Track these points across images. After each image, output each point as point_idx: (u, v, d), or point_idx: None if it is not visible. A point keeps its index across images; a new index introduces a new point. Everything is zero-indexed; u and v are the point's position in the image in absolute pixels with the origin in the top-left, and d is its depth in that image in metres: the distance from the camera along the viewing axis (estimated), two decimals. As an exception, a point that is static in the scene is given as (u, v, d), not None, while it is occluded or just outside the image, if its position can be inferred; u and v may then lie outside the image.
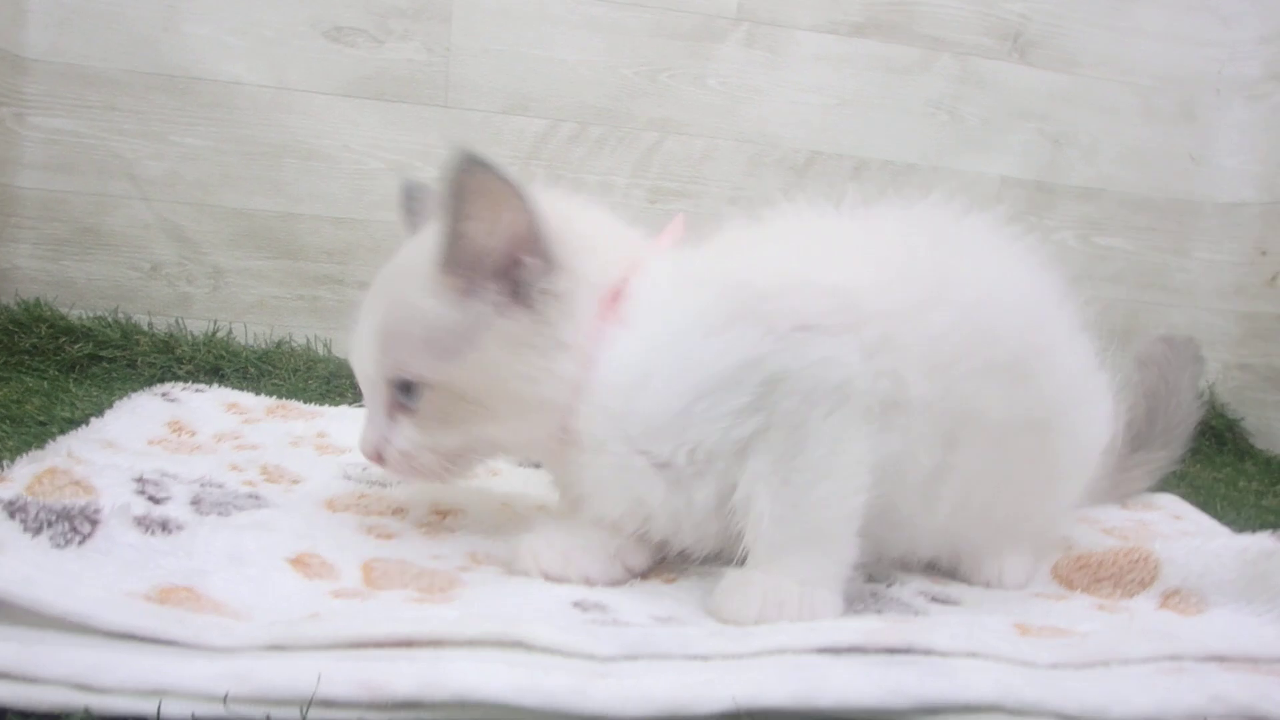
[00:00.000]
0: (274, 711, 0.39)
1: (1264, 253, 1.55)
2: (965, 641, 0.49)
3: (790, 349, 0.55)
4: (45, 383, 1.14)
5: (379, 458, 0.60)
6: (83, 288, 1.34)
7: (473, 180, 0.55)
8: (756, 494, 0.55)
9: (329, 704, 0.40)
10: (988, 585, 0.67)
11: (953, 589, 0.65)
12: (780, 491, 0.55)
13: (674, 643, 0.46)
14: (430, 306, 0.58)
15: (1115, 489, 0.88)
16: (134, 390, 1.01)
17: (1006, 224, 0.69)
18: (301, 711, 0.39)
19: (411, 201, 0.70)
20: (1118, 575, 0.64)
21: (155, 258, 1.35)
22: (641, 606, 0.53)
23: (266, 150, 1.34)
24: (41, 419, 0.94)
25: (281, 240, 1.36)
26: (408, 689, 0.40)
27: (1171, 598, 0.62)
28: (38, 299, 1.29)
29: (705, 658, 0.46)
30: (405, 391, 0.59)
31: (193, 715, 0.39)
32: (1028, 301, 0.65)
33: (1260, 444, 1.52)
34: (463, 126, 1.37)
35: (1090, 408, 0.69)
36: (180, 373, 1.23)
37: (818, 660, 0.46)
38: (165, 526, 0.53)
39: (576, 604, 0.52)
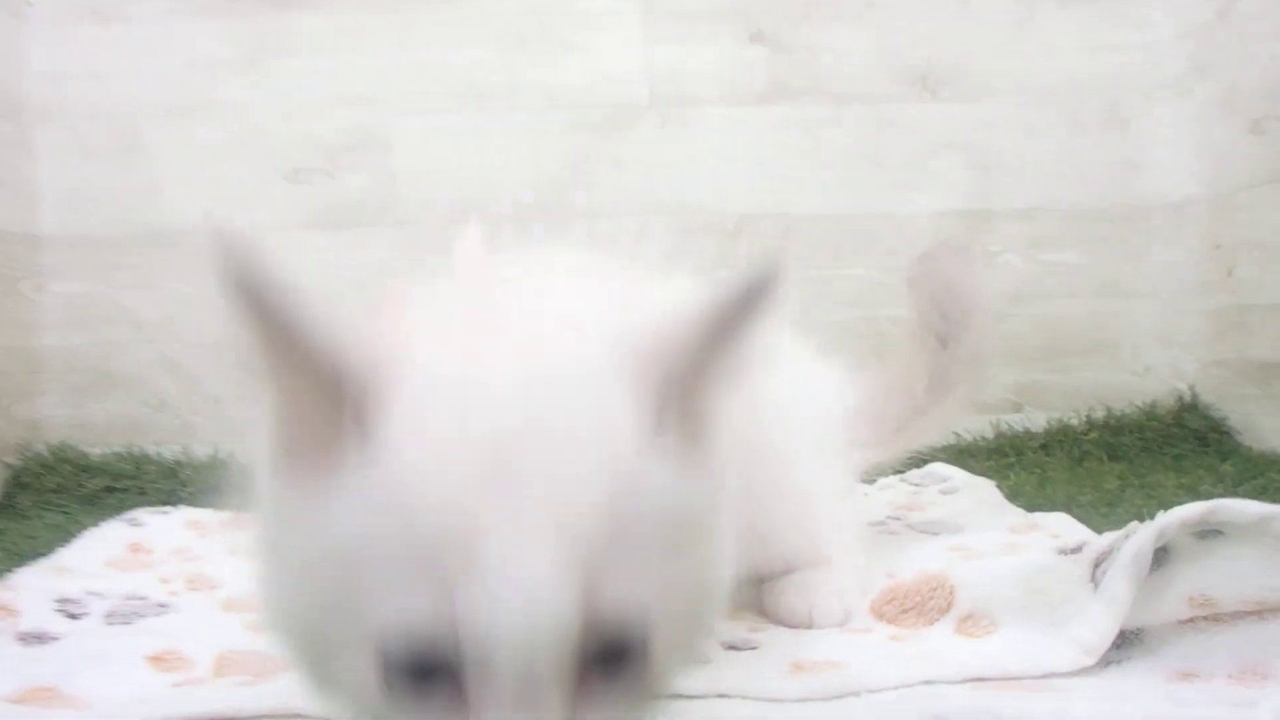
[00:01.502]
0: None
1: (1218, 246, 1.55)
2: (715, 685, 0.55)
3: None
4: (63, 516, 1.30)
5: None
6: (102, 427, 1.51)
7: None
8: None
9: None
10: (808, 626, 0.69)
11: (762, 635, 0.69)
12: None
13: None
14: (667, 473, 0.35)
15: (936, 392, 0.89)
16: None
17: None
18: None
19: None
20: (920, 604, 0.68)
21: (161, 393, 1.52)
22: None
23: (244, 286, 1.51)
24: (42, 553, 1.09)
25: (267, 364, 1.52)
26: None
27: (965, 622, 0.65)
28: (63, 441, 1.48)
29: None
30: (616, 655, 0.33)
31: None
32: None
33: (1246, 440, 1.50)
34: (414, 240, 1.51)
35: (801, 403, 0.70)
36: (184, 495, 1.38)
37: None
38: (42, 639, 0.64)
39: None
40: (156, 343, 1.52)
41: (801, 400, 0.72)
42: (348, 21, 1.52)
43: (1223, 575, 0.57)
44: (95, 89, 1.51)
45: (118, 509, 1.34)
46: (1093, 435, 1.54)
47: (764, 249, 1.54)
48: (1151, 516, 1.01)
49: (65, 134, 1.51)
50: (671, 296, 0.55)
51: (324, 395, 0.34)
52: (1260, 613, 0.56)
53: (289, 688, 0.58)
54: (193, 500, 1.34)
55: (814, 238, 1.57)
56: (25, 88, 1.48)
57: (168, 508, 1.12)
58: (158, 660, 0.64)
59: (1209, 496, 1.14)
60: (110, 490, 1.39)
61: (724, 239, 1.55)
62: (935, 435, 0.96)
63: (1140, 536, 0.57)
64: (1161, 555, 0.58)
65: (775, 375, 0.64)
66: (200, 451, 1.49)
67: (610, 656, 0.33)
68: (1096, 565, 0.60)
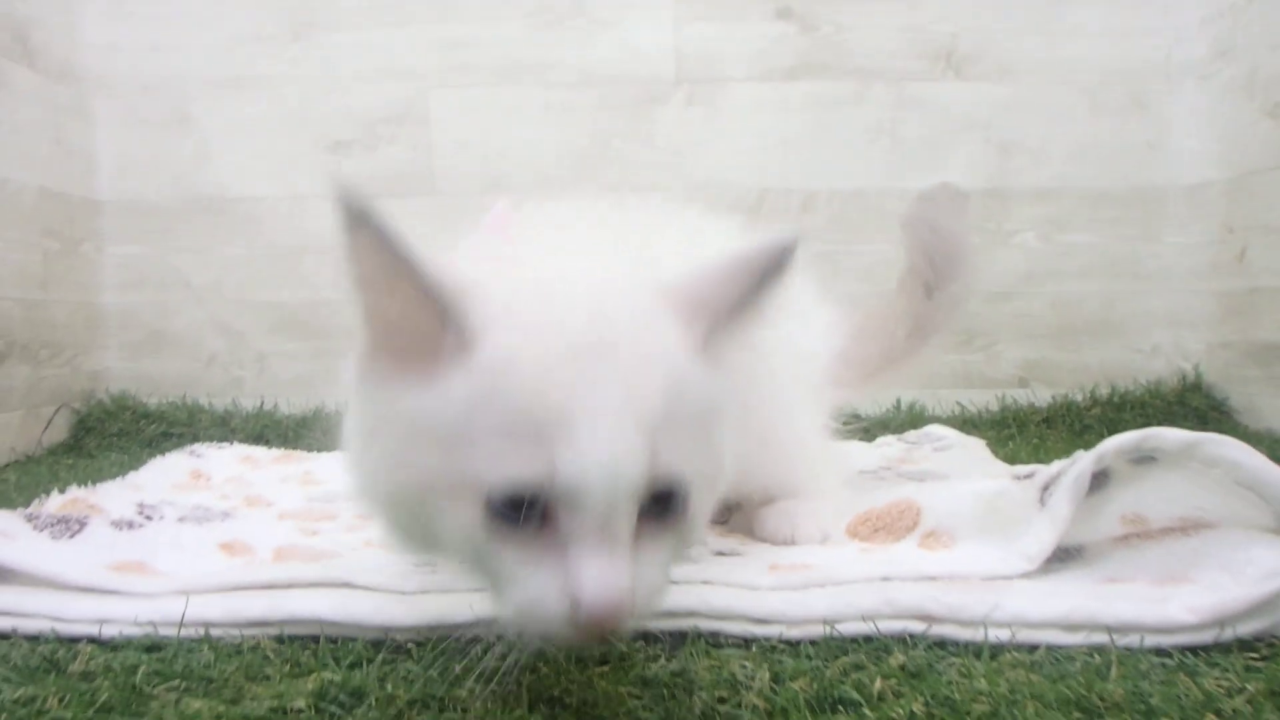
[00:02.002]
0: (163, 630, 0.59)
1: (1231, 229, 1.59)
2: (699, 572, 0.63)
3: None
4: (127, 456, 1.41)
5: (622, 611, 0.42)
6: (158, 380, 1.63)
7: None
8: None
9: (204, 623, 0.59)
10: (789, 543, 0.76)
11: (748, 547, 0.77)
12: None
13: (466, 580, 0.63)
14: (702, 373, 0.47)
15: (916, 338, 0.96)
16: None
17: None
18: (177, 628, 0.59)
19: None
20: (889, 524, 0.76)
21: (211, 350, 1.63)
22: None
23: (289, 251, 1.61)
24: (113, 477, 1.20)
25: (310, 325, 1.63)
26: (258, 611, 0.60)
27: (928, 538, 0.73)
28: (122, 391, 1.59)
29: (478, 589, 0.61)
30: (663, 505, 0.45)
31: (119, 633, 0.59)
32: None
33: (1245, 420, 1.54)
34: (449, 209, 1.60)
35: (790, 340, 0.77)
36: (234, 440, 1.49)
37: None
38: (132, 525, 0.74)
39: (414, 563, 0.70)
40: (206, 303, 1.63)
41: (792, 341, 0.78)
42: (388, -2, 1.61)
43: (1154, 496, 0.64)
44: (148, 61, 1.61)
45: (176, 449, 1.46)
46: (1095, 411, 1.60)
47: (784, 222, 1.62)
48: None
49: (120, 104, 1.61)
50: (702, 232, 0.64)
51: (429, 307, 0.44)
52: (1185, 529, 0.64)
53: (339, 564, 0.68)
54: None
55: (832, 213, 1.64)
56: (83, 58, 1.58)
57: (223, 444, 1.22)
58: (226, 548, 0.74)
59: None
60: (167, 435, 1.50)
61: (746, 213, 1.63)
62: (906, 378, 1.02)
63: (1081, 462, 0.64)
64: (1101, 479, 0.65)
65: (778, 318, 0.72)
66: (247, 404, 1.60)
67: (660, 505, 0.45)
68: (1045, 489, 0.67)
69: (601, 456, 0.42)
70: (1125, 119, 1.64)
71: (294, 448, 1.47)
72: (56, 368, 1.50)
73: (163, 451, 1.41)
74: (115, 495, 0.87)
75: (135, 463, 1.37)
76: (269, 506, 0.94)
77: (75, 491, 0.85)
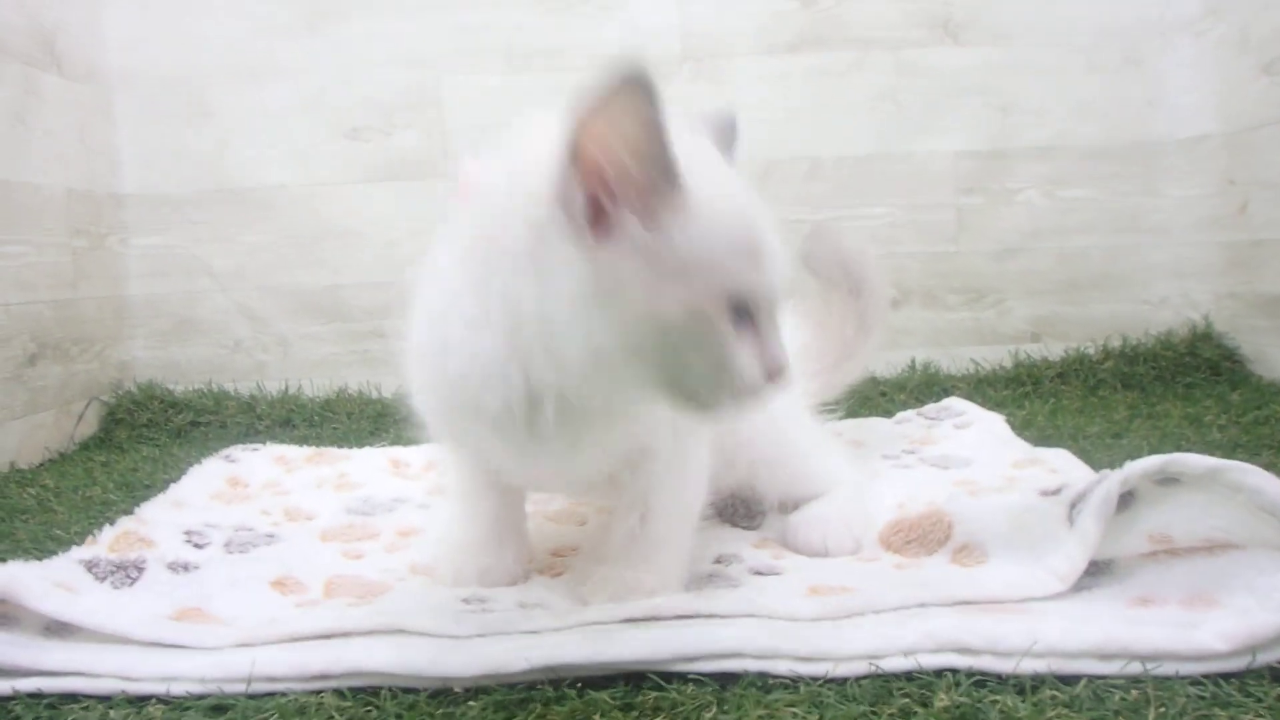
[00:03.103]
0: (229, 686, 0.61)
1: (1232, 182, 1.59)
2: (745, 605, 0.64)
3: None
4: (157, 449, 1.44)
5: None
6: (185, 367, 1.65)
7: None
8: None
9: (270, 679, 0.62)
10: (824, 555, 0.80)
11: (785, 561, 0.79)
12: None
13: (519, 623, 0.65)
14: None
15: (861, 333, 1.07)
16: (218, 447, 1.29)
17: None
18: (247, 685, 0.61)
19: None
20: (922, 536, 0.78)
21: (236, 336, 1.65)
22: (515, 596, 0.73)
23: (310, 236, 1.62)
24: (147, 484, 1.23)
25: (331, 308, 1.64)
26: (320, 665, 0.62)
27: (960, 552, 0.75)
28: (150, 380, 1.62)
29: (536, 631, 0.65)
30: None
31: (186, 692, 0.62)
32: None
33: (1257, 369, 1.56)
34: (461, 190, 1.60)
35: None
36: (260, 427, 1.51)
37: (620, 628, 0.62)
38: (187, 568, 0.77)
39: (465, 600, 0.72)
40: (230, 291, 1.64)
41: None
42: (398, -16, 1.59)
43: (1179, 517, 0.66)
44: (167, 55, 1.60)
45: (203, 441, 1.49)
46: (1108, 364, 1.61)
47: (792, 189, 1.62)
48: (1155, 449, 1.12)
49: (141, 98, 1.61)
50: None
51: (663, 163, 0.56)
52: (1210, 549, 0.66)
53: (391, 605, 0.70)
54: (269, 433, 1.49)
55: (838, 178, 1.64)
56: (104, 55, 1.58)
57: (256, 445, 1.24)
58: (278, 585, 0.77)
59: (1214, 427, 1.25)
60: (195, 424, 1.53)
61: (754, 180, 1.61)
62: (861, 372, 1.12)
63: (1108, 483, 0.66)
64: (1128, 498, 0.67)
65: None
66: (272, 387, 1.63)
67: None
68: (1072, 506, 0.69)
69: (787, 271, 0.62)
70: (1121, 76, 1.64)
71: (320, 429, 1.51)
72: (86, 362, 1.52)
73: (189, 445, 1.45)
74: (162, 521, 0.90)
75: (166, 456, 1.40)
76: (309, 521, 0.97)
77: (125, 523, 0.87)
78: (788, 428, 0.87)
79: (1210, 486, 0.64)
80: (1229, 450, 1.11)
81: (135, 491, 1.17)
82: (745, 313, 0.60)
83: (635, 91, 0.54)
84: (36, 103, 1.41)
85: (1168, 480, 0.66)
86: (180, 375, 1.64)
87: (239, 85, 1.61)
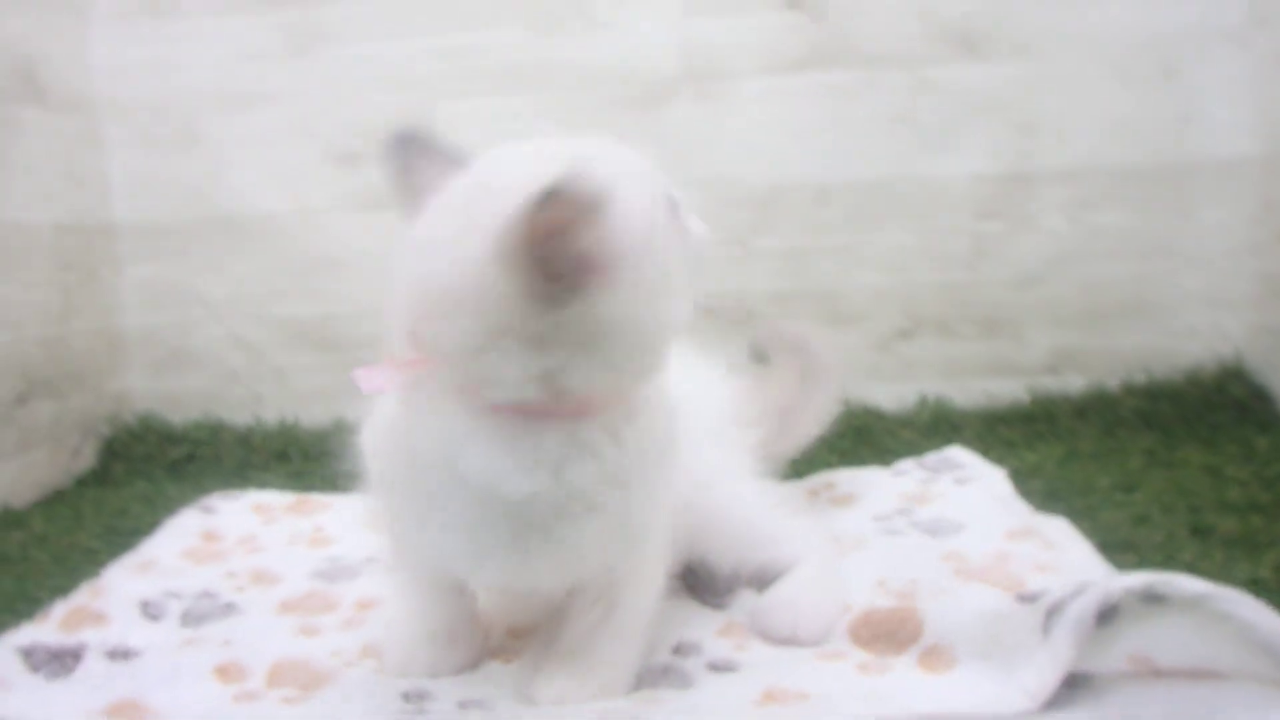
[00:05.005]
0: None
1: (1270, 206, 1.50)
2: (692, 710, 0.62)
3: None
4: (151, 485, 1.44)
5: None
6: (181, 398, 1.64)
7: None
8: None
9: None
10: (790, 642, 0.76)
11: (746, 654, 0.75)
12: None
13: None
14: None
15: (810, 384, 1.06)
16: (212, 485, 1.28)
17: None
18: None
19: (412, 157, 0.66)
20: (890, 633, 0.74)
21: (231, 366, 1.64)
22: (457, 693, 0.70)
23: (303, 265, 1.60)
24: (133, 528, 1.22)
25: (325, 338, 1.62)
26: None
27: (928, 655, 0.71)
28: (148, 411, 1.62)
29: None
30: None
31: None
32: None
33: (1290, 412, 1.48)
34: (457, 218, 1.57)
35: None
36: (255, 461, 1.51)
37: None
38: (128, 655, 0.75)
39: (404, 694, 0.69)
40: (225, 320, 1.63)
41: (703, 404, 0.84)
42: (386, 8, 1.56)
43: (1163, 639, 0.61)
44: (155, 82, 1.59)
45: (198, 476, 1.48)
46: (1130, 403, 1.54)
47: (797, 217, 1.56)
48: (1169, 505, 1.05)
49: (130, 127, 1.60)
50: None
51: None
52: (1194, 675, 0.61)
53: (324, 707, 0.68)
54: (264, 466, 1.48)
55: (848, 205, 1.58)
56: (91, 84, 1.57)
57: (236, 492, 1.23)
58: (221, 672, 0.74)
59: (1235, 483, 1.18)
60: (191, 458, 1.53)
61: (757, 208, 1.57)
62: (814, 429, 1.07)
63: (1085, 599, 0.61)
64: (1110, 613, 0.62)
65: (679, 394, 0.73)
66: (269, 417, 1.62)
67: None
68: (1049, 614, 0.65)
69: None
70: (1156, 90, 1.53)
71: (316, 463, 1.49)
72: (80, 396, 1.52)
73: (183, 481, 1.45)
74: (120, 592, 0.88)
75: (159, 495, 1.40)
76: (274, 586, 0.95)
77: (81, 594, 0.86)
78: (734, 497, 0.85)
79: (1196, 611, 0.59)
80: (1245, 512, 1.05)
81: (119, 538, 1.17)
82: None
83: None
84: (17, 138, 1.40)
85: (1152, 599, 0.61)
86: (177, 406, 1.63)
87: (228, 111, 1.59)
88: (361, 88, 1.57)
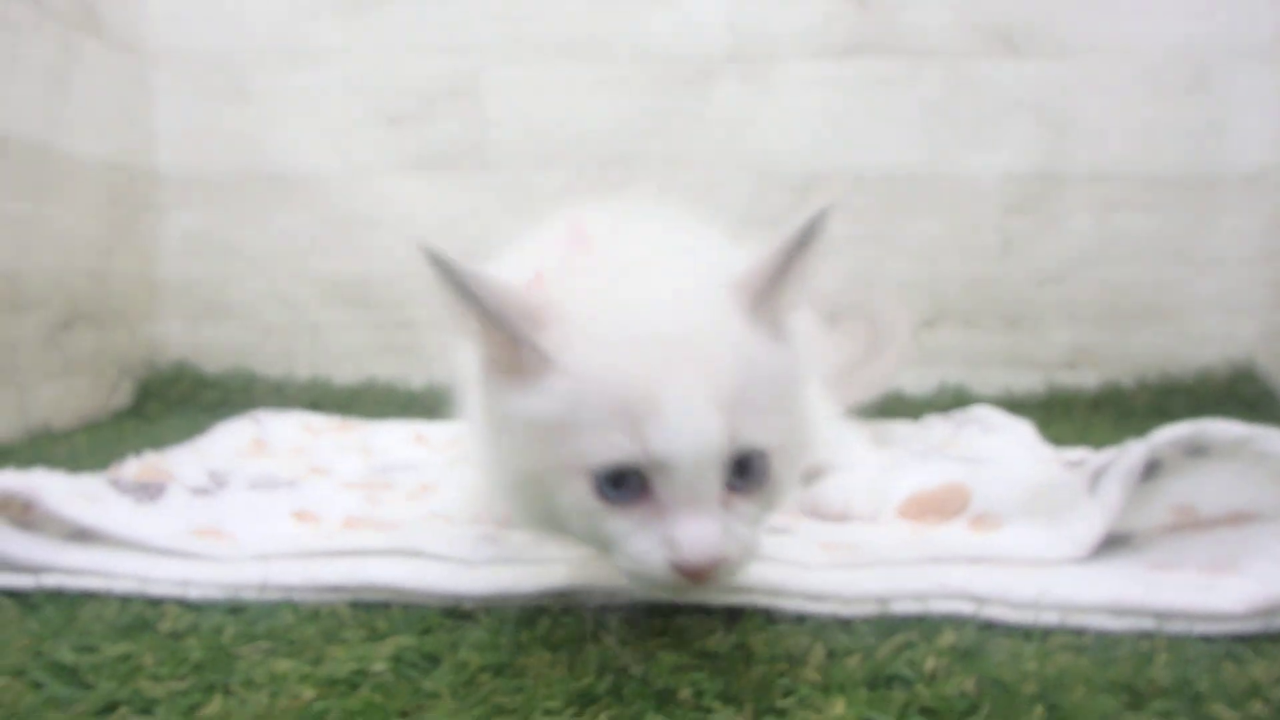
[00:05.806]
0: (244, 593, 0.62)
1: (1287, 215, 1.56)
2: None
3: None
4: (186, 421, 1.46)
5: (718, 560, 0.49)
6: (216, 349, 1.67)
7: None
8: None
9: (284, 588, 0.63)
10: (844, 518, 0.80)
11: (800, 524, 0.79)
12: None
13: (530, 552, 0.67)
14: (769, 353, 0.53)
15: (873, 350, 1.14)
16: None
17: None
18: (259, 591, 0.62)
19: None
20: (939, 506, 0.78)
21: (267, 320, 1.67)
22: (526, 536, 0.73)
23: (344, 223, 1.64)
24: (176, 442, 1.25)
25: (362, 296, 1.66)
26: (334, 579, 0.63)
27: (977, 521, 0.75)
28: (183, 358, 1.64)
29: (549, 560, 0.65)
30: (747, 472, 0.51)
31: (202, 595, 0.63)
32: None
33: (1300, 414, 1.52)
34: (500, 185, 1.63)
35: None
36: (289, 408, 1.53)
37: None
38: (208, 492, 0.78)
39: (480, 537, 0.73)
40: (264, 275, 1.67)
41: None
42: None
43: (1205, 488, 0.65)
44: (208, 32, 1.63)
45: (232, 417, 1.50)
46: (1142, 398, 1.59)
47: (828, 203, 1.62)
48: None
49: (180, 75, 1.63)
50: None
51: (508, 335, 0.52)
52: (1234, 520, 0.64)
53: (408, 532, 0.71)
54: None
55: (882, 194, 1.63)
56: (144, 28, 1.60)
57: (284, 410, 1.25)
58: (298, 515, 0.77)
59: None
60: (224, 402, 1.55)
61: (794, 194, 1.63)
62: (865, 395, 1.12)
63: (1134, 451, 0.65)
64: (1153, 468, 0.66)
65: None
66: (302, 374, 1.65)
67: (743, 472, 0.51)
68: (1094, 476, 0.68)
69: (689, 429, 0.49)
70: (1187, 100, 1.60)
71: (347, 412, 1.52)
72: (120, 334, 1.55)
73: (221, 416, 1.46)
74: (186, 461, 0.91)
75: (197, 429, 1.42)
76: (332, 474, 0.97)
77: (149, 457, 0.89)
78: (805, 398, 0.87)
79: (1237, 456, 0.63)
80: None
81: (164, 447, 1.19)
82: (634, 485, 0.50)
83: (442, 276, 0.50)
84: (76, 67, 1.41)
85: (1196, 451, 0.65)
86: (210, 357, 1.66)
87: (279, 66, 1.63)
88: (413, 50, 1.61)
